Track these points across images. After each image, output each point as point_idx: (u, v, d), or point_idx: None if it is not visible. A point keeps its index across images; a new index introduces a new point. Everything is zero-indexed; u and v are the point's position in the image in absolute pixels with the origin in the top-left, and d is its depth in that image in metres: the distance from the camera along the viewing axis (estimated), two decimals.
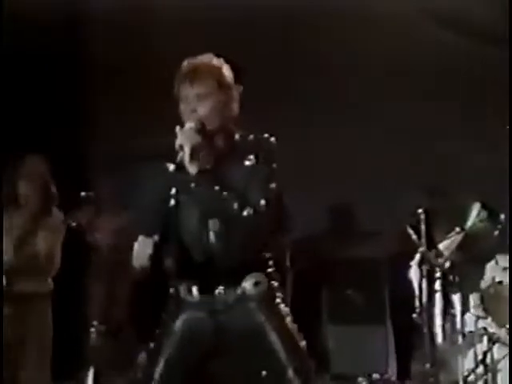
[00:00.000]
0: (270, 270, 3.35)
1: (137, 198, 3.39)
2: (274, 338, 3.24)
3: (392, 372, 6.07)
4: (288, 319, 3.32)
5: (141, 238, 3.16)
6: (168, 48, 6.69)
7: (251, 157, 3.26)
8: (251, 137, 3.34)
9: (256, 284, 3.29)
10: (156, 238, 3.16)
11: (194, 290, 3.29)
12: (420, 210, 5.62)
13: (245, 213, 3.15)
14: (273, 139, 3.32)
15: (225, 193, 3.16)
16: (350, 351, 6.05)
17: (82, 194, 5.34)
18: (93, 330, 5.23)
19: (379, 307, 6.26)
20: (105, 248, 6.01)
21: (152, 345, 3.39)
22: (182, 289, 3.32)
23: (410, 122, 6.45)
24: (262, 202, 3.20)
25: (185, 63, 3.34)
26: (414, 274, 5.68)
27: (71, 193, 5.23)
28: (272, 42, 6.62)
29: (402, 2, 6.67)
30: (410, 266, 5.73)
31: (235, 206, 3.15)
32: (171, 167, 3.23)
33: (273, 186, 3.26)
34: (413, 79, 6.49)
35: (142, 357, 6.17)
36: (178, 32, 6.74)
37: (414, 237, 5.59)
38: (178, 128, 3.19)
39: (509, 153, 5.85)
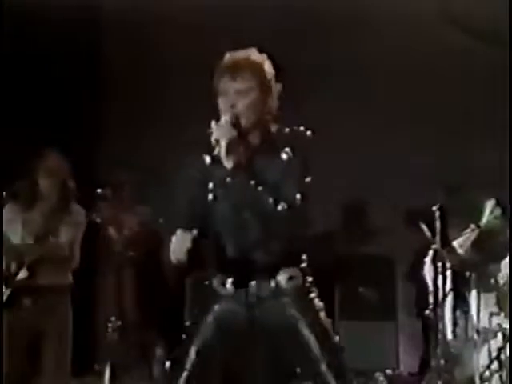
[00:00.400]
0: (303, 264, 3.36)
1: (174, 193, 3.37)
2: (307, 332, 3.24)
3: (404, 367, 6.12)
4: (322, 314, 3.33)
5: (179, 231, 3.15)
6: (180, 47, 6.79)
7: (287, 150, 3.25)
8: (287, 130, 3.33)
9: (290, 278, 3.29)
10: (195, 232, 3.15)
11: (228, 283, 3.30)
12: (434, 208, 5.70)
13: (279, 207, 3.15)
14: (309, 133, 3.30)
15: (260, 187, 3.16)
16: (362, 347, 6.09)
17: (99, 190, 5.39)
18: (109, 325, 5.27)
19: (390, 304, 6.33)
20: (124, 243, 6.06)
21: (184, 336, 3.38)
22: (216, 282, 3.33)
23: (422, 121, 6.52)
24: (298, 196, 3.19)
25: (226, 57, 3.30)
26: (427, 270, 5.75)
27: (89, 189, 5.29)
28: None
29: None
30: (423, 263, 5.81)
31: (270, 200, 3.15)
32: (207, 160, 3.24)
33: (308, 180, 3.25)
34: (429, 79, 6.55)
35: (159, 351, 6.30)
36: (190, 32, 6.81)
37: (428, 234, 5.66)
38: (213, 122, 3.18)
39: (509, 152, 5.92)
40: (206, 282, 3.38)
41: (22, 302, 4.84)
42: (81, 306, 5.17)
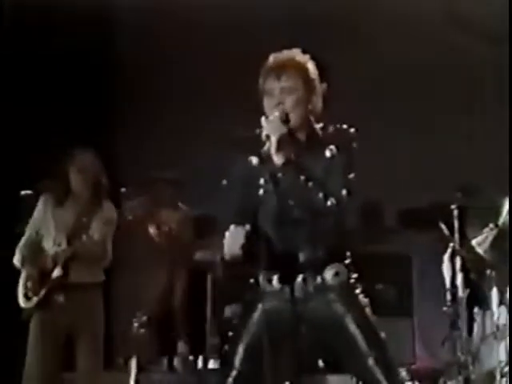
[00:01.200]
0: (348, 260, 3.46)
1: (225, 189, 3.43)
2: (353, 328, 3.32)
3: (421, 363, 6.23)
4: (367, 310, 3.43)
5: (233, 227, 3.21)
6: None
7: (332, 147, 3.34)
8: (331, 128, 3.41)
9: (336, 275, 3.37)
10: (248, 227, 3.21)
11: (275, 279, 3.36)
12: (453, 206, 5.81)
13: (328, 203, 3.23)
14: (352, 130, 3.39)
15: (310, 183, 3.23)
16: None
17: (122, 189, 5.45)
18: (135, 319, 5.35)
19: (407, 300, 6.43)
20: (159, 239, 6.11)
21: (231, 333, 3.45)
22: (262, 278, 3.40)
23: (440, 121, 6.63)
24: (344, 192, 3.28)
25: (271, 58, 3.40)
26: (445, 268, 5.86)
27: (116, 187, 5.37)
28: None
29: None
30: (440, 261, 5.91)
31: (320, 195, 3.22)
32: (254, 160, 3.34)
33: (352, 176, 3.34)
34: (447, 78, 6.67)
35: (182, 346, 6.39)
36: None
37: (447, 232, 5.77)
38: (263, 119, 3.26)
39: (509, 152, 6.03)
40: (251, 279, 3.44)
41: (55, 300, 4.91)
42: (111, 300, 5.25)
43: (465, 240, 5.76)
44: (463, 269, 5.71)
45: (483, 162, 6.39)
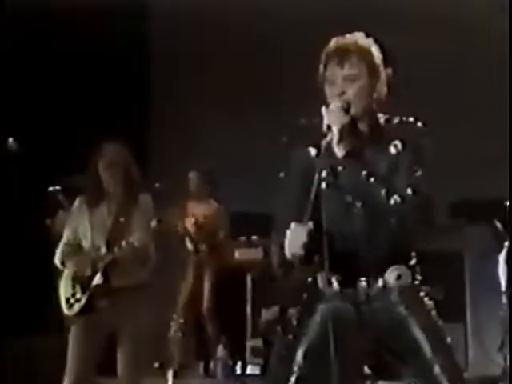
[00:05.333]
0: (412, 262, 3.36)
1: (283, 183, 3.34)
2: (418, 333, 3.23)
3: (473, 371, 6.15)
4: (433, 314, 3.33)
5: (294, 224, 3.10)
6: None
7: (397, 142, 3.23)
8: (396, 120, 3.30)
9: (399, 277, 3.28)
10: (310, 224, 3.09)
11: (334, 280, 3.28)
12: (507, 203, 5.71)
13: (392, 201, 3.12)
14: (419, 123, 3.28)
15: (372, 178, 3.14)
16: None
17: (156, 184, 5.40)
18: (172, 323, 5.32)
19: (459, 303, 6.33)
20: (193, 236, 6.09)
21: (290, 337, 3.39)
22: (321, 279, 3.31)
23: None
24: (409, 190, 3.16)
25: (332, 42, 3.28)
26: (501, 269, 5.77)
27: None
28: None
29: None
30: (496, 261, 5.83)
31: (382, 192, 3.13)
32: (313, 152, 3.23)
33: (419, 173, 3.22)
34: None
35: (221, 349, 6.35)
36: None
37: (502, 230, 5.68)
38: (324, 108, 3.16)
39: (509, 151, 5.93)
40: (310, 279, 3.36)
41: (98, 305, 4.85)
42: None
43: None
44: None
45: None
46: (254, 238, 6.73)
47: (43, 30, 6.98)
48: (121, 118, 6.81)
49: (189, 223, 6.53)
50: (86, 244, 4.98)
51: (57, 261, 5.06)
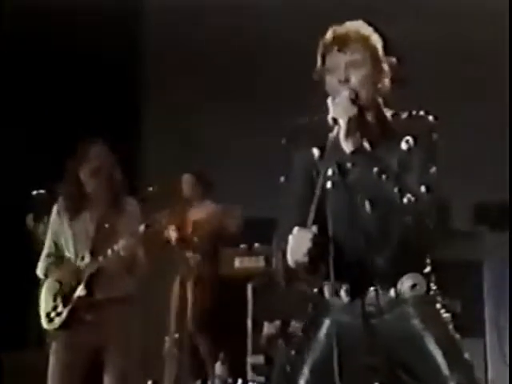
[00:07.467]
0: (427, 270, 3.21)
1: (284, 186, 3.23)
2: (433, 347, 3.09)
3: None
4: (450, 327, 3.20)
5: (297, 229, 2.95)
6: None
7: (408, 138, 3.09)
8: (405, 115, 3.16)
9: (413, 287, 3.13)
10: (314, 229, 2.93)
11: (342, 291, 3.14)
12: None
13: (405, 200, 2.97)
14: (431, 118, 3.13)
15: (384, 176, 2.98)
16: None
17: (150, 188, 5.22)
18: (167, 338, 5.16)
19: (477, 317, 6.11)
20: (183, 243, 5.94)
21: (294, 352, 3.28)
22: (327, 289, 3.18)
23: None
24: (422, 188, 3.02)
25: (329, 31, 3.14)
26: None
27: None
28: None
29: None
30: None
31: (395, 191, 2.97)
32: (316, 152, 3.12)
33: (433, 170, 3.08)
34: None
35: (219, 367, 6.17)
36: None
37: None
38: (329, 99, 3.02)
39: (509, 151, 5.78)
40: (315, 290, 3.22)
41: (81, 319, 4.67)
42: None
43: None
44: None
45: None
46: (255, 245, 6.61)
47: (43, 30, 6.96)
48: (113, 119, 6.72)
49: (170, 230, 6.40)
50: (69, 254, 4.80)
51: (40, 273, 4.89)
